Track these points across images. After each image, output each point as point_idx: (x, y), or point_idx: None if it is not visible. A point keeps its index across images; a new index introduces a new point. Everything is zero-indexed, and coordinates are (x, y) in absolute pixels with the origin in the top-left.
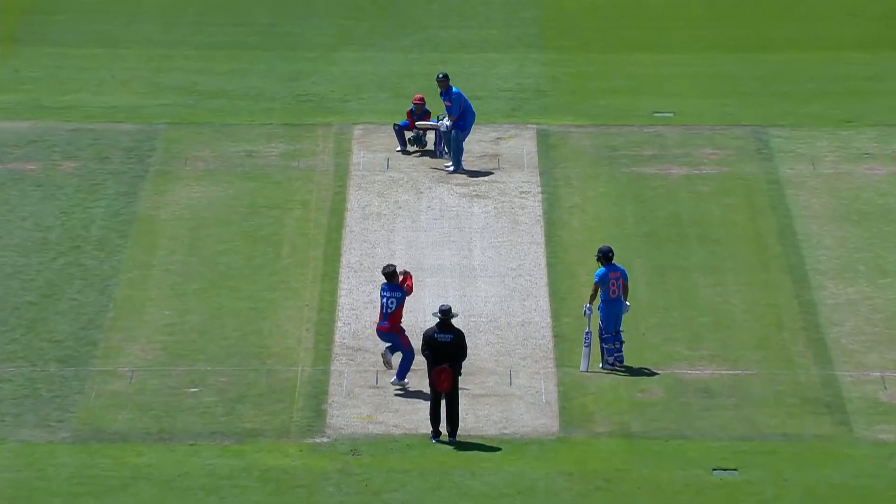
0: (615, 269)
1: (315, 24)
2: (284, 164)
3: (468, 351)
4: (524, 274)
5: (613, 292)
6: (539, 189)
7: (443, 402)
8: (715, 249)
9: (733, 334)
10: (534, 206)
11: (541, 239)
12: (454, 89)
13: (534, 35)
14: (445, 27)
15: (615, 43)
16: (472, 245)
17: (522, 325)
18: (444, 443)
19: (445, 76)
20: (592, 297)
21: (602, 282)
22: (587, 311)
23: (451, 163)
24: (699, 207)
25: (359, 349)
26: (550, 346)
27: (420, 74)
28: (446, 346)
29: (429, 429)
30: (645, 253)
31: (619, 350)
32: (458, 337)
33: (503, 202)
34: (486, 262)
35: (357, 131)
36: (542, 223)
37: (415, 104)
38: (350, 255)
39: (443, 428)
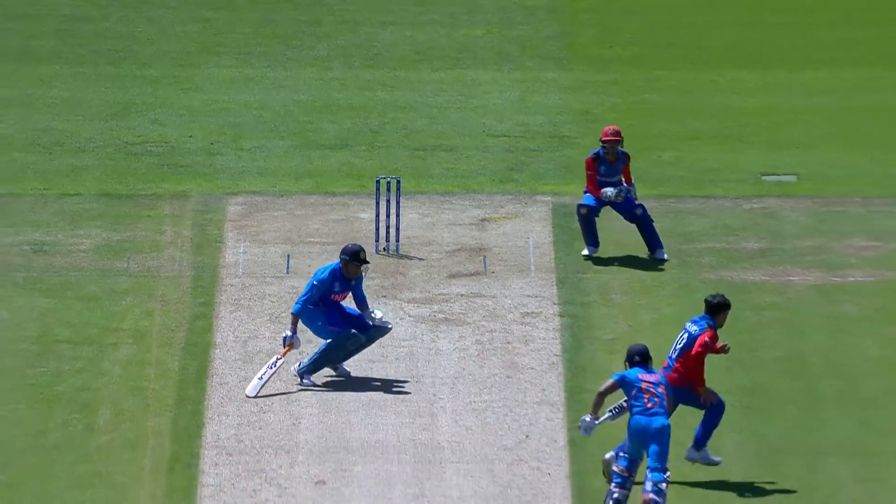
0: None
1: (160, 20)
2: (103, 266)
3: None
4: (528, 458)
5: (650, 399)
6: (556, 309)
7: None
8: (870, 418)
9: None
10: (547, 339)
11: (558, 397)
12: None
13: (549, 37)
14: (389, 24)
15: (695, 53)
16: (437, 407)
17: None
18: None
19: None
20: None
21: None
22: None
23: None
24: (842, 343)
25: None
26: None
27: (347, 106)
28: None
29: None
30: (744, 422)
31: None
32: None
33: (492, 332)
34: (462, 438)
35: (234, 207)
36: (562, 369)
37: (604, 142)
38: (219, 427)
39: None
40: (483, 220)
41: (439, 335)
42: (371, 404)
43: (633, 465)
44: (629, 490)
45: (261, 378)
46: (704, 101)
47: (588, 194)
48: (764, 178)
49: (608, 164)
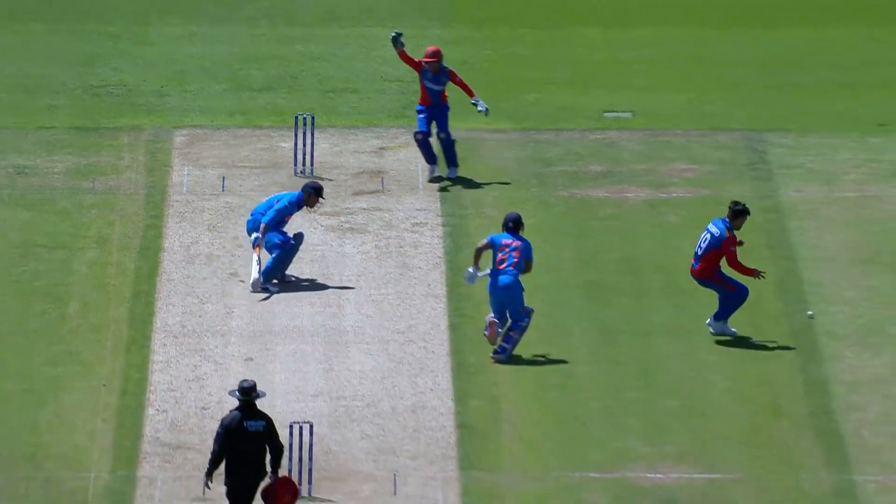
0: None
1: None
2: (73, 185)
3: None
4: (417, 339)
5: (500, 262)
6: (440, 220)
7: None
8: (686, 305)
9: (710, 423)
10: (432, 245)
11: (441, 290)
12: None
13: (436, 1)
14: None
15: (552, 14)
16: (344, 299)
17: (413, 412)
18: None
19: None
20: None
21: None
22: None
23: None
24: (666, 246)
25: (178, 446)
26: (452, 440)
27: (272, 57)
28: (258, 438)
29: None
30: (588, 310)
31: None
32: (271, 424)
33: (388, 239)
34: (363, 323)
35: (179, 138)
36: (444, 268)
37: (426, 61)
38: (167, 315)
39: None
40: (381, 148)
41: (345, 241)
42: (290, 297)
43: (501, 317)
44: (501, 335)
45: (256, 275)
46: (559, 53)
47: (420, 117)
48: (606, 114)
49: (433, 75)
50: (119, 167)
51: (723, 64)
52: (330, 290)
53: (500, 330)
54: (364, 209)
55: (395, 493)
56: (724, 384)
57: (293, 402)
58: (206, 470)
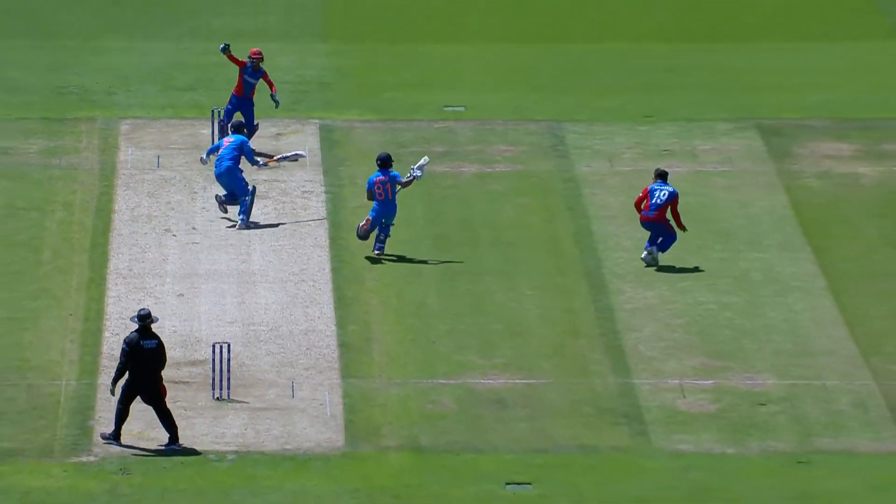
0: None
1: (76, 11)
2: (44, 163)
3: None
4: (307, 279)
5: (380, 194)
6: (322, 188)
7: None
8: (508, 253)
9: (527, 342)
10: (317, 207)
11: (325, 242)
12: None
13: (316, 23)
14: (219, 15)
15: (404, 32)
16: (251, 249)
17: (305, 334)
18: (166, 447)
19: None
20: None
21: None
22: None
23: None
24: (492, 208)
25: None
26: (335, 355)
27: (193, 65)
28: (152, 353)
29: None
30: (435, 257)
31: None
32: (161, 343)
33: (284, 203)
34: (267, 267)
35: (124, 126)
36: (327, 225)
37: (252, 57)
38: (118, 261)
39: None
40: (277, 134)
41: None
42: (211, 246)
43: (374, 226)
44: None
45: (294, 155)
46: (410, 62)
47: (228, 108)
48: (445, 108)
49: (253, 70)
50: (79, 149)
51: (531, 71)
52: (241, 241)
53: (373, 234)
54: (265, 180)
55: (293, 396)
56: (537, 312)
57: (215, 327)
58: (112, 378)
